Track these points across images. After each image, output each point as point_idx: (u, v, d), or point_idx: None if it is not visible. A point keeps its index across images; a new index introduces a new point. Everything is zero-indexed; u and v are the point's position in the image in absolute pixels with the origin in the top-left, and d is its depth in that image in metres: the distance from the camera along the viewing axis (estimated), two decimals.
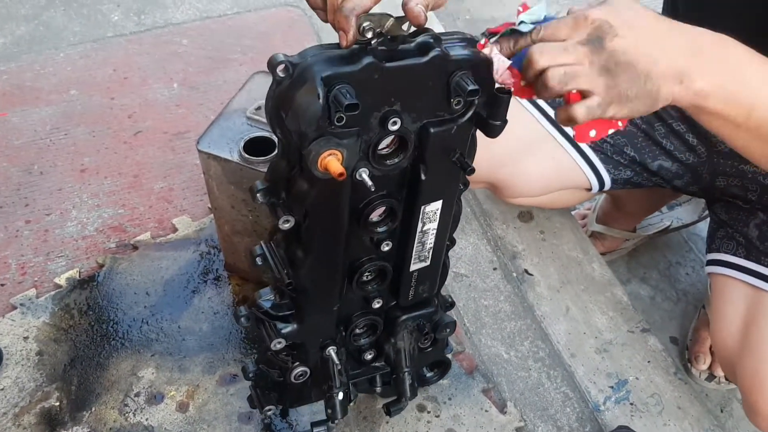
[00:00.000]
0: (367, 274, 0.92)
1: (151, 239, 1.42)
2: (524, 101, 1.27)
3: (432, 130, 0.75)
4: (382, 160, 0.77)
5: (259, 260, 0.87)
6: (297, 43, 1.85)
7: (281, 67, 0.70)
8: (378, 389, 1.10)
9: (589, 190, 1.31)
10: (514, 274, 1.39)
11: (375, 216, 0.84)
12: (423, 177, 0.80)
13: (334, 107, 0.67)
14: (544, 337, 1.30)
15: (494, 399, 1.21)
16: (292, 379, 0.97)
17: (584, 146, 1.25)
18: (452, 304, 1.08)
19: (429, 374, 1.16)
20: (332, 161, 0.69)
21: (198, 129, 1.61)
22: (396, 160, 0.78)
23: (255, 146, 1.14)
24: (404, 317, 1.00)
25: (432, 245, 0.91)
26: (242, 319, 0.92)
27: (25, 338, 1.25)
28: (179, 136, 1.62)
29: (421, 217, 0.86)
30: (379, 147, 0.76)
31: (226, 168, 1.13)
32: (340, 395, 0.99)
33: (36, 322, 1.28)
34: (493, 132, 0.78)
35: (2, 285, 1.33)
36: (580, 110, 0.70)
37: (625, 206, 1.66)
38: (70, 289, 1.33)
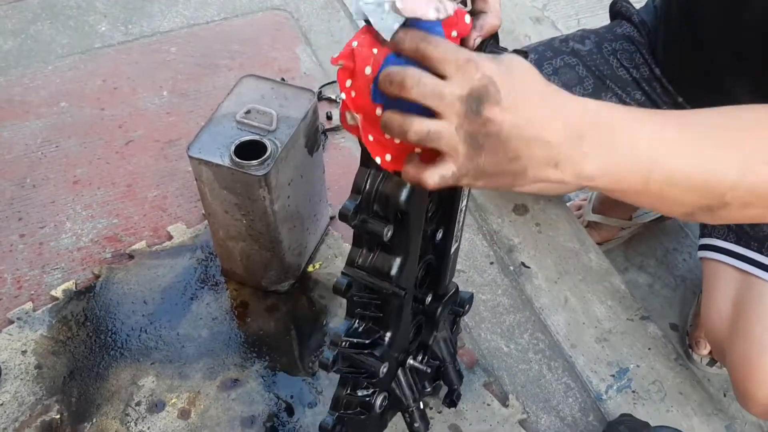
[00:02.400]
0: (421, 272, 0.93)
1: (147, 248, 1.41)
2: None
3: None
4: None
5: (346, 290, 0.85)
6: (285, 46, 1.85)
7: None
8: (428, 389, 1.10)
9: None
10: (511, 268, 1.39)
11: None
12: None
13: None
14: (544, 328, 1.30)
15: (496, 392, 1.21)
16: (377, 409, 0.96)
17: None
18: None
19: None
20: None
21: (189, 136, 1.60)
22: None
23: (246, 150, 1.14)
24: (441, 306, 1.01)
25: (463, 222, 0.95)
26: (328, 365, 0.88)
27: (23, 352, 1.25)
28: (171, 144, 1.62)
29: (461, 191, 0.90)
30: None
31: (217, 173, 1.13)
32: (421, 405, 1.01)
33: (34, 336, 1.27)
34: None
35: None
36: (432, 179, 0.62)
37: None
38: (67, 301, 1.33)
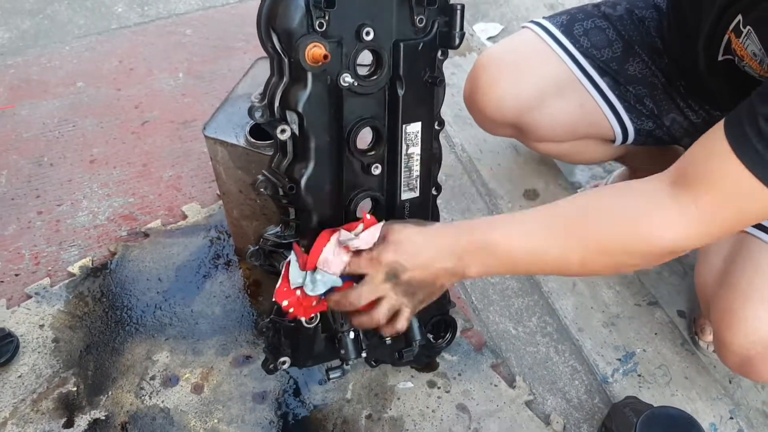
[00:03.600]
0: (361, 202, 1.00)
1: (162, 226, 1.44)
2: (555, 45, 1.28)
3: (402, 44, 0.89)
4: (363, 78, 0.90)
5: (261, 187, 0.95)
6: None
7: None
8: (387, 339, 1.10)
9: (613, 141, 1.33)
10: None
11: (363, 145, 0.96)
12: (400, 92, 0.92)
13: (315, 12, 0.82)
14: (552, 312, 1.31)
15: (503, 374, 1.23)
16: (304, 323, 1.00)
17: (609, 94, 1.28)
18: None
19: (440, 340, 1.18)
20: (317, 49, 0.83)
21: (204, 117, 1.62)
22: (374, 77, 0.91)
23: (260, 131, 1.15)
24: None
25: (418, 173, 1.01)
26: (251, 258, 1.01)
27: (41, 326, 1.28)
28: (186, 125, 1.64)
29: (404, 138, 0.97)
30: (358, 63, 0.89)
31: (232, 153, 1.15)
32: (351, 334, 1.03)
33: (51, 310, 1.30)
34: (454, 41, 0.92)
35: (17, 275, 1.35)
36: (402, 325, 0.96)
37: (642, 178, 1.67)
38: (84, 277, 1.35)
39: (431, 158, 1.01)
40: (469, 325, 1.28)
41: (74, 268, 1.37)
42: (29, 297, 1.32)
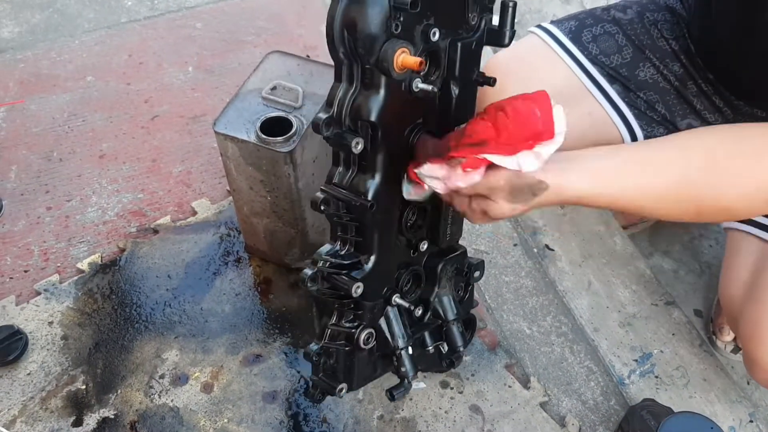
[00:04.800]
0: (411, 213, 0.96)
1: (171, 223, 1.42)
2: (563, 53, 1.26)
3: (459, 43, 0.85)
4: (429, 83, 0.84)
5: (323, 205, 0.88)
6: (311, 23, 1.84)
7: None
8: (430, 348, 1.08)
9: None
10: (535, 250, 1.38)
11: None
12: (455, 93, 0.89)
13: (395, 12, 0.75)
14: (567, 311, 1.29)
15: (517, 374, 1.21)
16: (362, 344, 0.97)
17: (619, 102, 1.25)
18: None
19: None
20: (406, 56, 0.77)
21: (214, 112, 1.61)
22: (432, 77, 0.86)
23: (271, 127, 1.13)
24: (443, 263, 1.03)
25: None
26: (308, 283, 0.91)
27: (50, 323, 1.26)
28: (196, 120, 1.62)
29: None
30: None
31: (243, 149, 1.13)
32: (409, 350, 1.00)
33: (60, 307, 1.29)
34: (504, 38, 0.87)
35: (26, 271, 1.34)
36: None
37: None
38: (93, 274, 1.34)
39: None
40: (483, 324, 1.26)
41: (83, 265, 1.35)
42: (38, 294, 1.31)
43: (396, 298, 0.98)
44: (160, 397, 1.18)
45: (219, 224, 1.42)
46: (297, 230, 1.25)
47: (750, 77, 1.16)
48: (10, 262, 1.35)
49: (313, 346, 0.97)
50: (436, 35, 0.81)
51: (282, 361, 1.22)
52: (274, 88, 1.18)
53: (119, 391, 1.19)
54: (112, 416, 1.16)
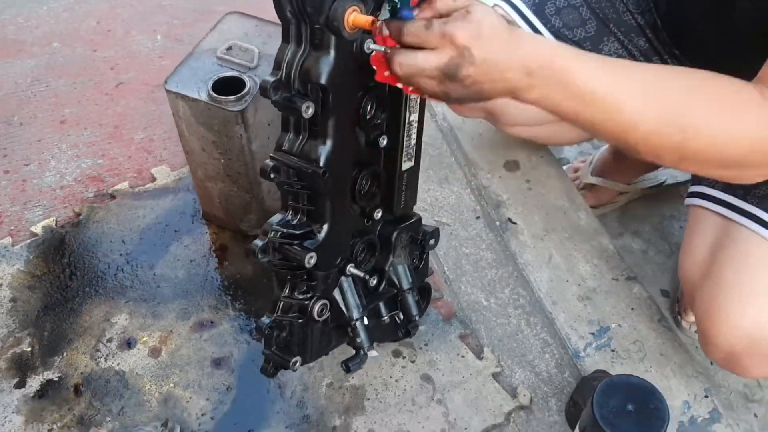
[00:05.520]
0: (365, 180, 0.94)
1: (130, 188, 1.40)
2: (525, 26, 1.24)
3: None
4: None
5: (273, 173, 0.85)
6: None
7: None
8: (386, 318, 1.06)
9: None
10: (497, 223, 1.36)
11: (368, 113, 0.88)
12: None
13: None
14: (526, 284, 1.27)
15: (471, 345, 1.19)
16: (316, 316, 0.94)
17: None
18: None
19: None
20: (358, 15, 0.74)
21: None
22: None
23: (225, 87, 1.11)
24: (397, 231, 1.01)
25: (415, 141, 0.95)
26: (258, 255, 0.88)
27: None
28: (161, 88, 1.58)
29: (407, 104, 0.89)
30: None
31: (194, 108, 1.11)
32: (365, 320, 0.98)
33: (10, 270, 1.27)
34: None
35: None
36: (407, 63, 0.76)
37: (626, 157, 1.62)
38: (46, 238, 1.32)
39: (422, 123, 0.95)
40: (439, 294, 1.24)
41: (37, 228, 1.33)
42: None
43: (351, 268, 0.96)
44: (106, 360, 1.16)
45: (178, 191, 1.39)
46: (252, 195, 1.22)
47: (718, 50, 1.14)
48: None
49: (265, 320, 0.93)
50: None
51: (233, 327, 1.20)
52: (229, 48, 1.16)
53: (65, 354, 1.17)
54: (56, 378, 1.14)
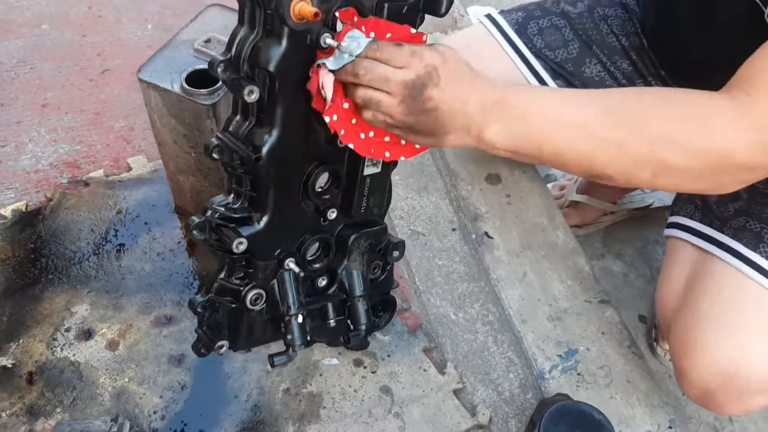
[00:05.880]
0: (325, 180, 0.92)
1: (104, 177, 1.38)
2: (506, 45, 1.22)
3: (386, 4, 0.80)
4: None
5: (215, 152, 0.83)
6: None
7: None
8: (331, 322, 1.03)
9: None
10: (473, 236, 1.34)
11: None
12: None
13: None
14: (496, 301, 1.25)
15: (435, 359, 1.17)
16: (249, 304, 0.92)
17: None
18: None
19: (377, 318, 1.12)
20: (304, 5, 0.72)
21: None
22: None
23: (200, 80, 1.09)
24: (356, 235, 0.99)
25: None
26: (194, 231, 0.86)
27: None
28: None
29: None
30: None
31: (166, 99, 1.09)
32: (299, 318, 0.95)
33: None
34: (440, 7, 0.81)
35: None
36: (367, 115, 0.78)
37: None
38: (15, 221, 1.30)
39: None
40: (407, 305, 1.22)
41: (6, 211, 1.31)
42: None
43: (289, 262, 0.93)
44: (62, 350, 1.14)
45: (153, 182, 1.37)
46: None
47: (705, 65, 1.12)
48: None
49: (199, 298, 0.92)
50: None
51: (194, 325, 1.17)
52: (207, 41, 1.14)
53: (21, 341, 1.15)
54: (10, 365, 1.12)
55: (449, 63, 0.76)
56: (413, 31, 0.81)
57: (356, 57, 0.76)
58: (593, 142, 0.78)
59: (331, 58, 0.77)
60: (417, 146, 0.86)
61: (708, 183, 0.82)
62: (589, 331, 1.22)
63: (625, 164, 0.79)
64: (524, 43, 1.22)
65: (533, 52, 1.22)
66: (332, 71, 0.78)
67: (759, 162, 0.79)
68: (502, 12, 1.29)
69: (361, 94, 0.77)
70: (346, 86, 0.79)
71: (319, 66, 0.78)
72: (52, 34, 1.66)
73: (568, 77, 1.22)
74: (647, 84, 1.21)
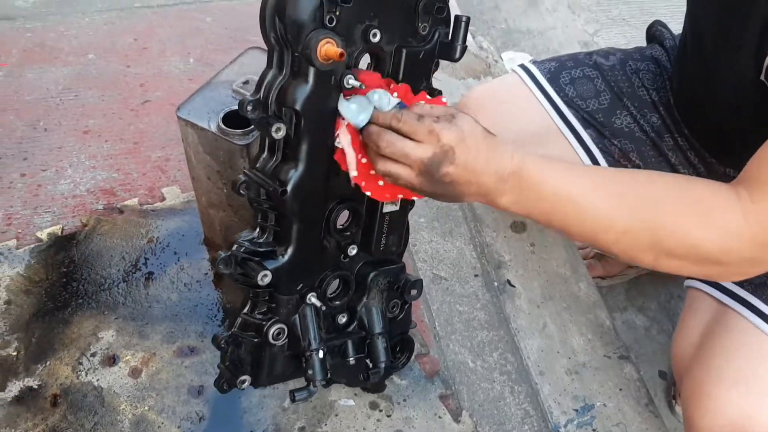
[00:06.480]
0: (346, 218, 0.95)
1: (138, 205, 1.42)
2: (538, 93, 1.24)
3: (404, 50, 0.85)
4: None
5: (242, 188, 0.88)
6: None
7: None
8: (351, 359, 1.05)
9: None
10: (496, 284, 1.34)
11: None
12: None
13: (327, 6, 0.77)
14: (515, 350, 1.25)
15: (451, 406, 1.17)
16: (271, 338, 0.95)
17: (593, 147, 1.22)
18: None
19: (395, 359, 1.13)
20: (330, 47, 0.77)
21: None
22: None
23: (236, 120, 1.12)
24: (374, 273, 1.01)
25: None
26: (220, 266, 0.89)
27: None
28: None
29: None
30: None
31: (202, 137, 1.13)
32: (320, 353, 0.97)
33: (10, 272, 1.29)
34: (455, 53, 0.87)
35: None
36: (388, 180, 0.86)
37: None
38: (50, 244, 1.34)
39: None
40: (426, 350, 1.23)
41: (43, 234, 1.35)
42: None
43: (311, 297, 0.96)
44: (87, 374, 1.17)
45: (184, 213, 1.41)
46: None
47: (721, 135, 1.13)
48: None
49: (224, 332, 0.95)
50: (376, 36, 0.82)
51: (216, 357, 1.20)
52: (246, 82, 1.17)
53: (48, 363, 1.18)
54: (36, 386, 1.15)
55: (467, 140, 0.81)
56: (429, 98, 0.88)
57: (383, 111, 0.82)
58: (600, 224, 0.84)
59: (353, 105, 0.83)
60: None
61: (709, 271, 0.87)
62: (606, 387, 1.22)
63: (629, 247, 0.85)
64: (556, 91, 1.24)
65: (565, 101, 1.23)
66: (358, 129, 0.84)
67: (760, 258, 0.83)
68: (534, 62, 1.31)
69: (381, 167, 0.84)
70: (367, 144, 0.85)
71: (342, 118, 0.84)
72: (98, 63, 1.72)
73: (598, 127, 1.24)
74: (674, 140, 1.21)
